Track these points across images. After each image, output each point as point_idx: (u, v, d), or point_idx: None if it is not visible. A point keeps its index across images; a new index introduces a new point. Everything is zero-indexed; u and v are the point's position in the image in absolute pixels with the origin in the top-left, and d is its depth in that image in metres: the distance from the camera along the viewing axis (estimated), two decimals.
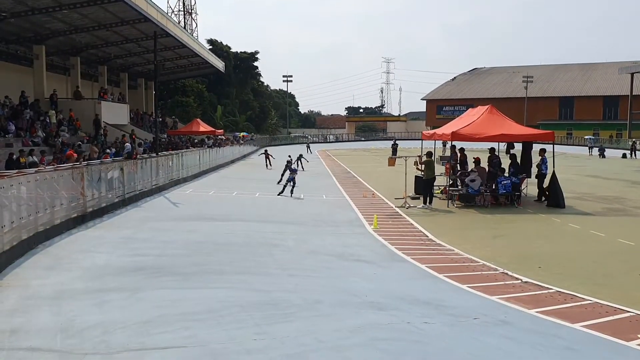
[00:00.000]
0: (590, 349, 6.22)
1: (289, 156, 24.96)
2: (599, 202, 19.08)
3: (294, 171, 20.71)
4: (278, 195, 19.85)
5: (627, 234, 13.07)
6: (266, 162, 34.84)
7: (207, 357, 5.47)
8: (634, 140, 61.45)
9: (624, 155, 51.00)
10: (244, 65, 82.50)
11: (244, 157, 46.32)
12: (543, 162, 18.66)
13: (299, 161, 30.76)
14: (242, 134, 62.72)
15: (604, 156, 50.36)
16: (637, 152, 52.87)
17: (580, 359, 5.91)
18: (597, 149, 53.53)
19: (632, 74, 77.44)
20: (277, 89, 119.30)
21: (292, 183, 19.77)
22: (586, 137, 72.87)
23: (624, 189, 23.51)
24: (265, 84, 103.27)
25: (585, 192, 21.59)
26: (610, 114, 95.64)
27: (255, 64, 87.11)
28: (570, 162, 42.11)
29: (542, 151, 18.82)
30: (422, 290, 8.46)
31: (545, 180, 18.77)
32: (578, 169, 34.43)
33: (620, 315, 7.31)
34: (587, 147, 57.96)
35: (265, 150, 36.74)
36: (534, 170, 19.50)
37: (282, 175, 22.56)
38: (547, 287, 8.60)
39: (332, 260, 10.43)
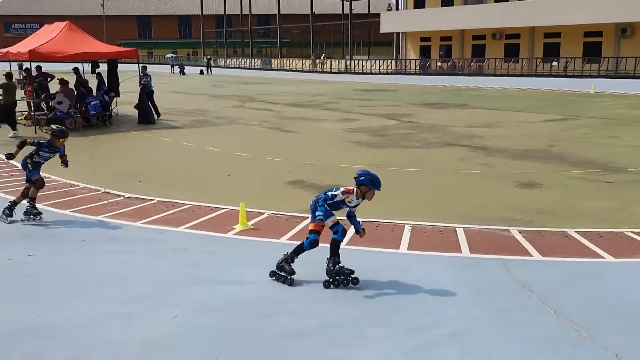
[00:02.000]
0: (195, 245, 6.87)
1: None
2: (185, 116, 20.50)
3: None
4: None
5: (213, 142, 14.51)
6: None
7: None
8: (208, 57, 66.90)
9: (202, 72, 55.15)
10: None
11: None
12: (150, 79, 18.99)
13: None
14: None
15: (184, 73, 53.51)
16: (212, 68, 57.92)
17: (187, 255, 6.52)
18: (178, 66, 56.39)
19: None
20: None
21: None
22: (167, 55, 75.75)
23: (205, 102, 25.73)
24: None
25: (172, 108, 22.79)
26: (186, 33, 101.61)
27: None
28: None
29: (144, 68, 19.12)
30: (21, 224, 7.76)
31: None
32: (162, 87, 35.72)
33: (217, 212, 8.20)
34: (169, 65, 60.35)
35: None
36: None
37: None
38: (150, 199, 8.94)
39: None
